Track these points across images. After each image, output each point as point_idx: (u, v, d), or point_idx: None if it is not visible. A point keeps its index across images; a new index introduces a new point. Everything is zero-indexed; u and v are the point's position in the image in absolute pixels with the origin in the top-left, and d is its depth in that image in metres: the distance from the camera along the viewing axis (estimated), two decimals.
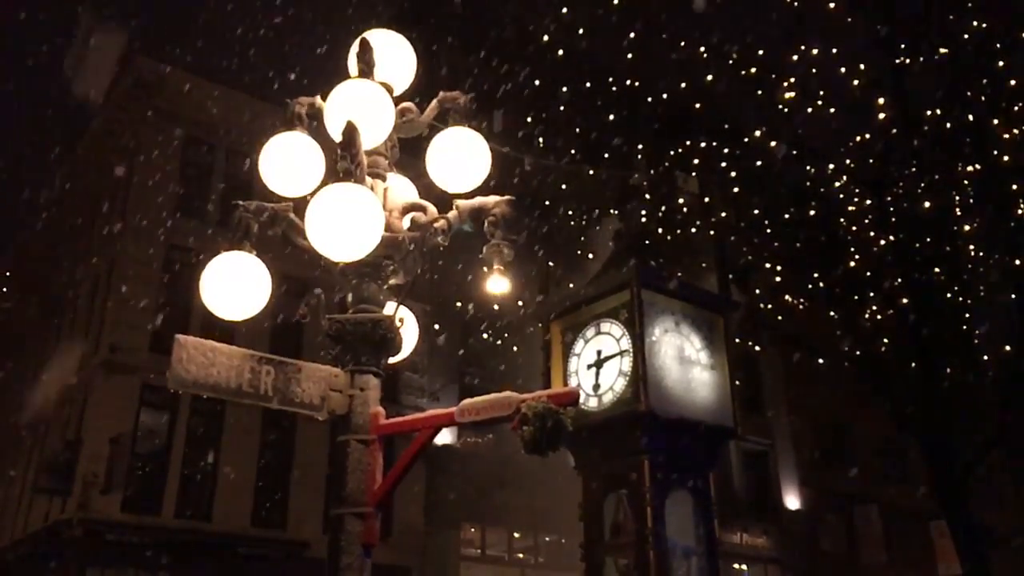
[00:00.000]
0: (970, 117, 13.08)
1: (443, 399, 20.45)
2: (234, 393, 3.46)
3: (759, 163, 14.48)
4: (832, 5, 13.16)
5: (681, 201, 14.63)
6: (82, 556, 16.80)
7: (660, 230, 12.90)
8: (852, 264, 13.83)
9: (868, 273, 13.93)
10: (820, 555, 26.79)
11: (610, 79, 15.12)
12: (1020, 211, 13.00)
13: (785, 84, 13.55)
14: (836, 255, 13.91)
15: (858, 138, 13.83)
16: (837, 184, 14.00)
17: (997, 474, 28.13)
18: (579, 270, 13.05)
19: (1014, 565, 21.60)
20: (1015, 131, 12.63)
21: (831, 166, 13.92)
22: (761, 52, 13.84)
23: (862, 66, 13.34)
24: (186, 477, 18.74)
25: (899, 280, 13.60)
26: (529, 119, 15.66)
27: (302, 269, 11.53)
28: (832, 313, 14.41)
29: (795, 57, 13.40)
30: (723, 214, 14.81)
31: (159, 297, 19.10)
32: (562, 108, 15.37)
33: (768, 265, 14.67)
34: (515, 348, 19.25)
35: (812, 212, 14.22)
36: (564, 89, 15.47)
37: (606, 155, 14.33)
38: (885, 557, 26.37)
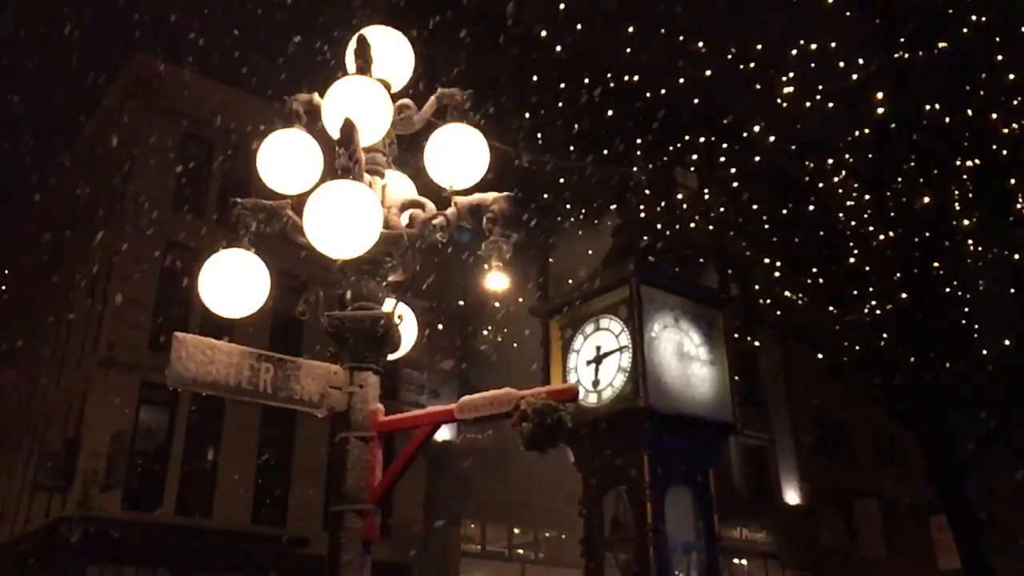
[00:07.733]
0: (969, 112, 13.07)
1: (443, 395, 20.47)
2: (233, 391, 3.46)
3: (758, 158, 14.48)
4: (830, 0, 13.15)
5: (680, 196, 14.64)
6: (82, 553, 16.80)
7: (659, 226, 12.89)
8: (851, 259, 13.84)
9: (867, 268, 13.94)
10: (820, 550, 26.82)
11: (608, 75, 15.11)
12: (1019, 205, 13.01)
13: (784, 79, 13.54)
14: (835, 250, 13.91)
15: (857, 133, 13.85)
16: (836, 179, 14.01)
17: (997, 468, 28.16)
18: (578, 266, 13.05)
19: (1014, 560, 21.62)
20: (1014, 125, 12.63)
21: (830, 161, 13.93)
22: (760, 47, 13.83)
23: (860, 61, 13.34)
24: (186, 474, 18.75)
25: (898, 275, 13.60)
26: (527, 115, 15.64)
27: (301, 266, 11.55)
28: (831, 308, 14.41)
29: (794, 52, 13.39)
30: (722, 209, 14.80)
31: (158, 294, 19.10)
32: (560, 104, 15.35)
33: (767, 260, 14.67)
34: (515, 344, 19.24)
35: (811, 207, 14.22)
36: (562, 85, 15.45)
37: (604, 151, 14.31)
38: (885, 551, 26.41)
